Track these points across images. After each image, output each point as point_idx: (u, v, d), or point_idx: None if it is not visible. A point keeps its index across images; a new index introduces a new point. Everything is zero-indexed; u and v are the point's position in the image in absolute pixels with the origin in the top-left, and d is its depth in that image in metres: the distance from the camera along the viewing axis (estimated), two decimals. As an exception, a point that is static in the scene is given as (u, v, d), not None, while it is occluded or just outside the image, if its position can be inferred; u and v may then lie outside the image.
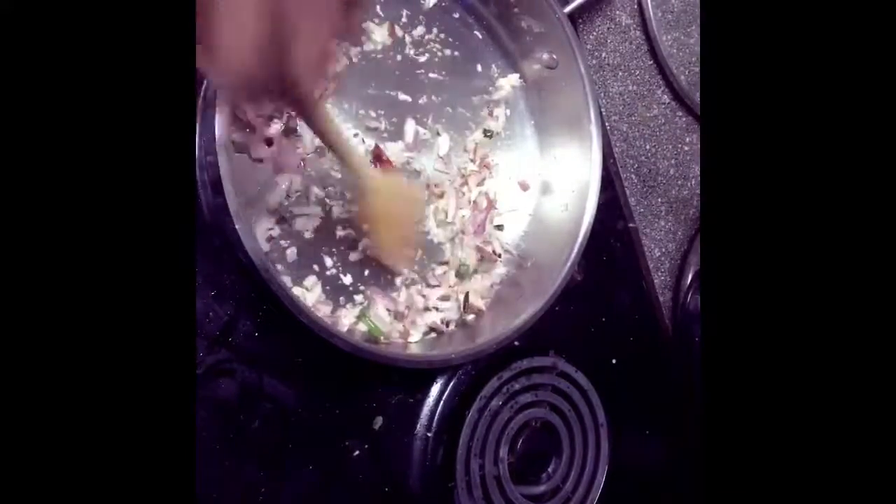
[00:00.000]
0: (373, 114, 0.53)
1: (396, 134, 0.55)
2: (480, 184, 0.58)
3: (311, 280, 0.49)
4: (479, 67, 0.59)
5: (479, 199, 0.57)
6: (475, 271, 0.56)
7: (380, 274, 0.52)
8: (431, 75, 0.57)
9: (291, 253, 0.48)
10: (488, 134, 0.59)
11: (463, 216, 0.56)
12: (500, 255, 0.57)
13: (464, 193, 0.57)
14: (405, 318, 0.52)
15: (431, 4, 0.57)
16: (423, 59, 0.56)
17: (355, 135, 0.52)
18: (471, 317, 0.54)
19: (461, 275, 0.55)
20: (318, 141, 0.51)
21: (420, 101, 0.56)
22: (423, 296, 0.53)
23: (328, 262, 0.50)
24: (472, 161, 0.58)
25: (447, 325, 0.53)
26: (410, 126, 0.55)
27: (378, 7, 0.54)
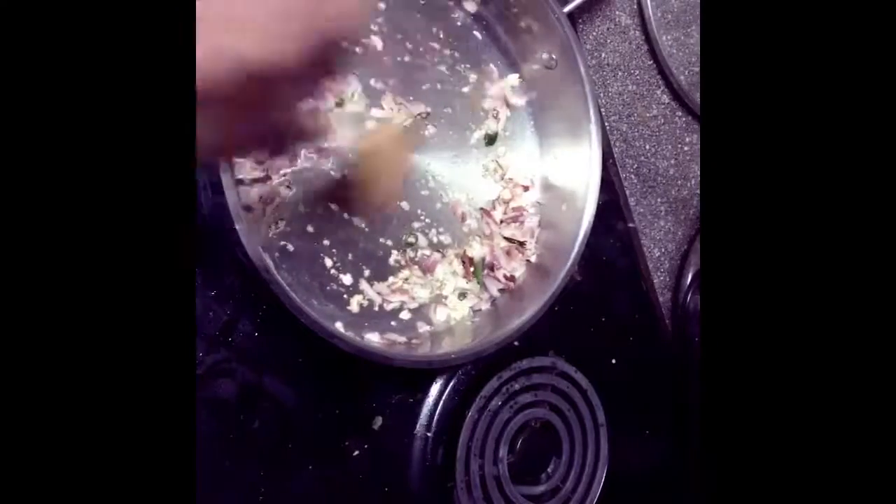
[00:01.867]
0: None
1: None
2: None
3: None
4: (479, 67, 0.59)
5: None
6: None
7: (379, 272, 0.52)
8: (431, 75, 0.57)
9: (291, 252, 0.49)
10: (489, 139, 0.59)
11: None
12: (522, 243, 0.58)
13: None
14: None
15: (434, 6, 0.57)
16: (422, 59, 0.56)
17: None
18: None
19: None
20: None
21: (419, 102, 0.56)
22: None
23: (328, 262, 0.50)
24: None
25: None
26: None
27: (378, 8, 0.54)
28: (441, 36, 0.57)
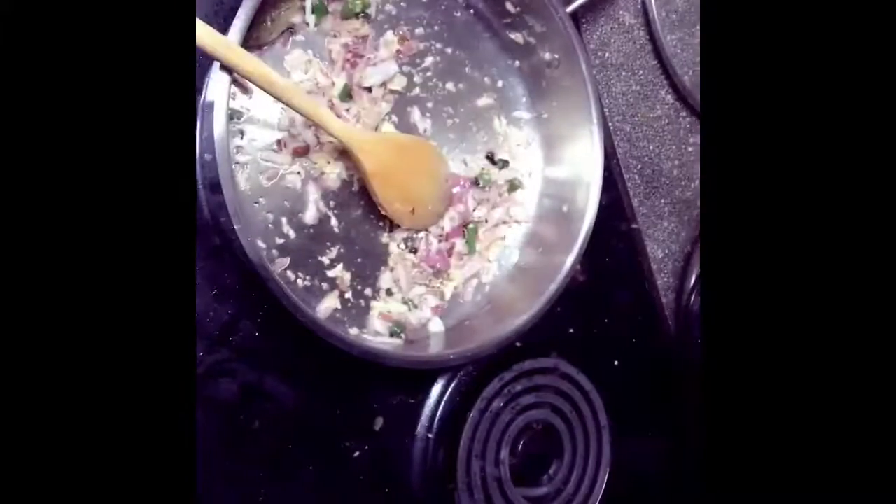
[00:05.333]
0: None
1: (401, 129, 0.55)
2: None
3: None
4: (479, 67, 0.59)
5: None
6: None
7: (372, 273, 0.52)
8: (431, 74, 0.56)
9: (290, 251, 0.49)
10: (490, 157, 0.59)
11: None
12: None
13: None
14: None
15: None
16: (422, 58, 0.56)
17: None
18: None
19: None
20: (323, 137, 0.50)
21: (419, 100, 0.56)
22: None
23: (326, 261, 0.50)
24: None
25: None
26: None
27: (377, 6, 0.54)
28: (443, 35, 0.57)
